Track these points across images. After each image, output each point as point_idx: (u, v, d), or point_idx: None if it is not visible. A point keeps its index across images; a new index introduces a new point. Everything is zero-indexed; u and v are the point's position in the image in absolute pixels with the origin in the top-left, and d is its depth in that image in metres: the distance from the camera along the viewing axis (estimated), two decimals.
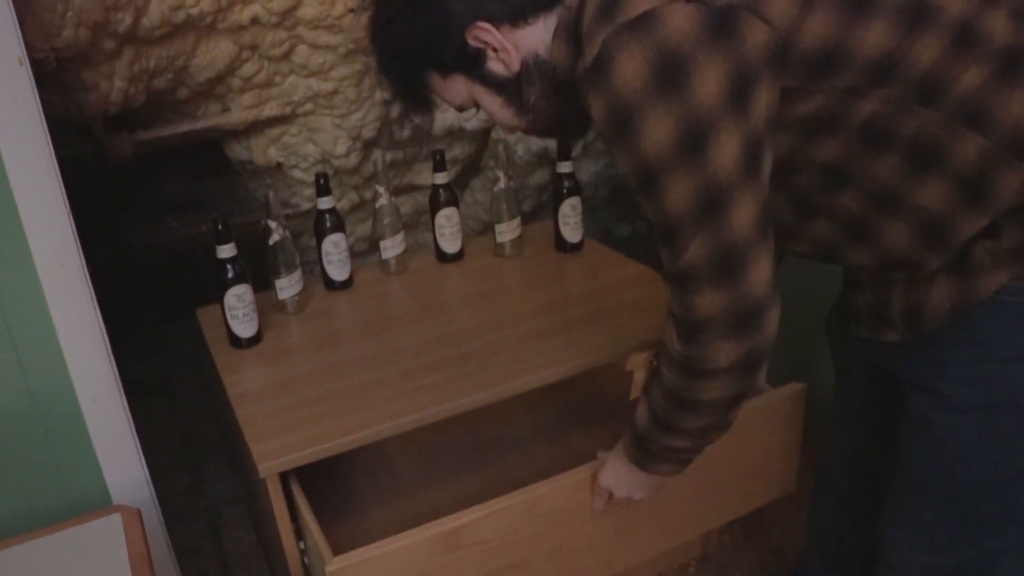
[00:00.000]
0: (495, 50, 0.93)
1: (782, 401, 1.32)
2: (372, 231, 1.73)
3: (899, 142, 0.84)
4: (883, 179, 0.86)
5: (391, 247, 1.68)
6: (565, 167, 1.69)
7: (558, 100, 0.95)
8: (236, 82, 1.69)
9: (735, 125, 0.77)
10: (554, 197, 1.72)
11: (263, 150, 1.89)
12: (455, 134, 2.01)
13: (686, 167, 0.79)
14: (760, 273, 0.83)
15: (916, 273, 0.91)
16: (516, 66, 0.93)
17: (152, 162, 1.89)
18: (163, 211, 2.17)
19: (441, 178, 1.68)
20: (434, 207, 1.70)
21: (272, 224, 1.50)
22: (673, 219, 0.83)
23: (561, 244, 1.74)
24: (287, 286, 1.53)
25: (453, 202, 1.70)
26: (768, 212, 0.83)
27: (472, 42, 0.92)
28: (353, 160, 1.90)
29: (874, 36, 0.80)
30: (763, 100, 0.78)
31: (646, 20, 0.76)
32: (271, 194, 1.51)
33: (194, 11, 1.45)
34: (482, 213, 2.32)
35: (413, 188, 2.14)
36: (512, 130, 1.01)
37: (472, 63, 0.94)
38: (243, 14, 1.52)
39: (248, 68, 1.66)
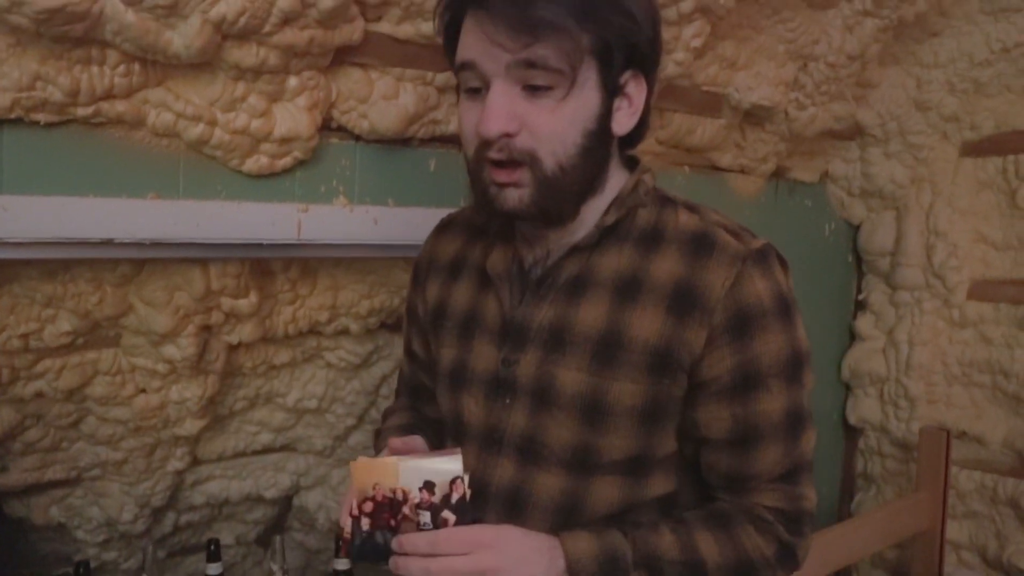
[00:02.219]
0: (629, 100, 0.98)
1: None
2: None
3: None
4: None
5: None
6: (342, 564, 1.69)
7: (593, 184, 1.00)
8: (17, 446, 1.67)
9: None
10: None
11: (43, 509, 1.83)
12: (253, 499, 2.00)
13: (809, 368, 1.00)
14: None
15: None
16: (629, 127, 0.99)
17: None
18: None
19: (213, 569, 1.65)
20: None
21: None
22: (804, 408, 0.99)
23: None
24: None
25: None
26: None
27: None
28: (141, 525, 1.86)
29: None
30: None
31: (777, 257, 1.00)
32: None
33: None
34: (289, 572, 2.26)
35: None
36: (554, 147, 0.95)
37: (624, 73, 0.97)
38: (27, 389, 1.54)
39: (32, 434, 1.65)
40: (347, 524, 0.91)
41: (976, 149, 2.14)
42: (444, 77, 1.36)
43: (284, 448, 1.96)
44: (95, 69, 1.09)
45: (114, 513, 1.81)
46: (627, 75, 0.96)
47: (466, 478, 0.88)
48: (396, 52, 1.29)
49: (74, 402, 1.61)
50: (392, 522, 0.90)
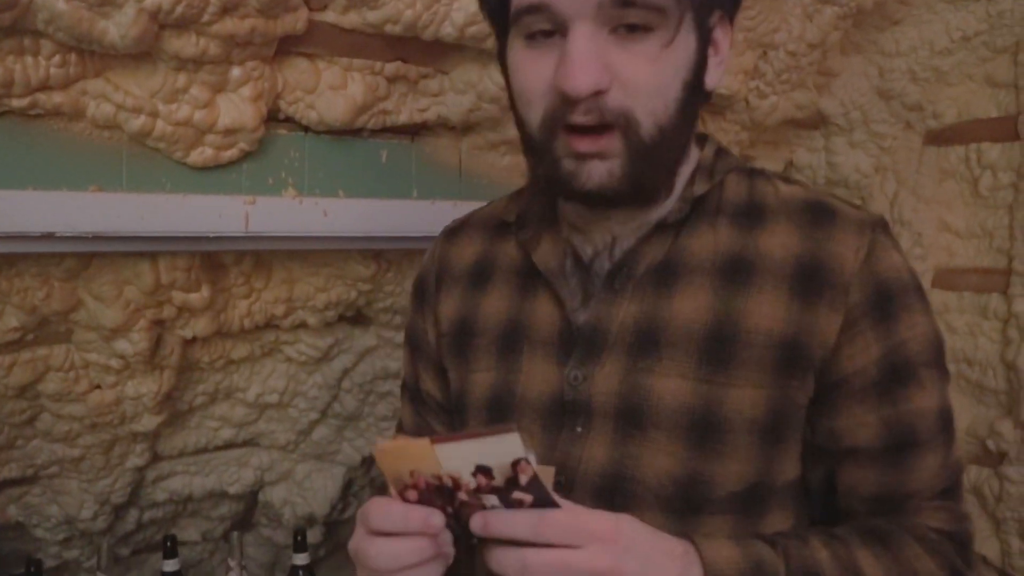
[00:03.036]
0: (716, 48, 0.82)
1: None
2: None
3: None
4: None
5: None
6: (300, 559, 1.68)
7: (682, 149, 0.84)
8: None
9: None
10: None
11: (1, 509, 1.81)
12: (217, 495, 1.98)
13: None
14: None
15: None
16: (718, 81, 0.83)
17: None
18: None
19: (170, 565, 1.64)
20: None
21: None
22: (951, 406, 0.83)
23: None
24: None
25: None
26: None
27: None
28: (101, 523, 1.84)
29: None
30: None
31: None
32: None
33: None
34: (256, 569, 2.25)
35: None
36: (654, 105, 0.76)
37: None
38: None
39: None
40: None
41: (939, 138, 2.14)
42: (393, 67, 1.35)
43: (247, 443, 1.95)
44: (29, 59, 1.07)
45: (73, 511, 1.80)
46: (715, 17, 0.80)
47: (532, 459, 0.65)
48: (343, 41, 1.28)
49: (27, 399, 1.59)
50: (448, 509, 0.69)
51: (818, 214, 0.81)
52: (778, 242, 0.81)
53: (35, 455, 1.71)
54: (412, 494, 0.68)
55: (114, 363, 1.54)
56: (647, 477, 0.80)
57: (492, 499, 0.67)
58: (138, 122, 1.17)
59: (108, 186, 1.20)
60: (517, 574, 0.66)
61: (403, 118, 1.41)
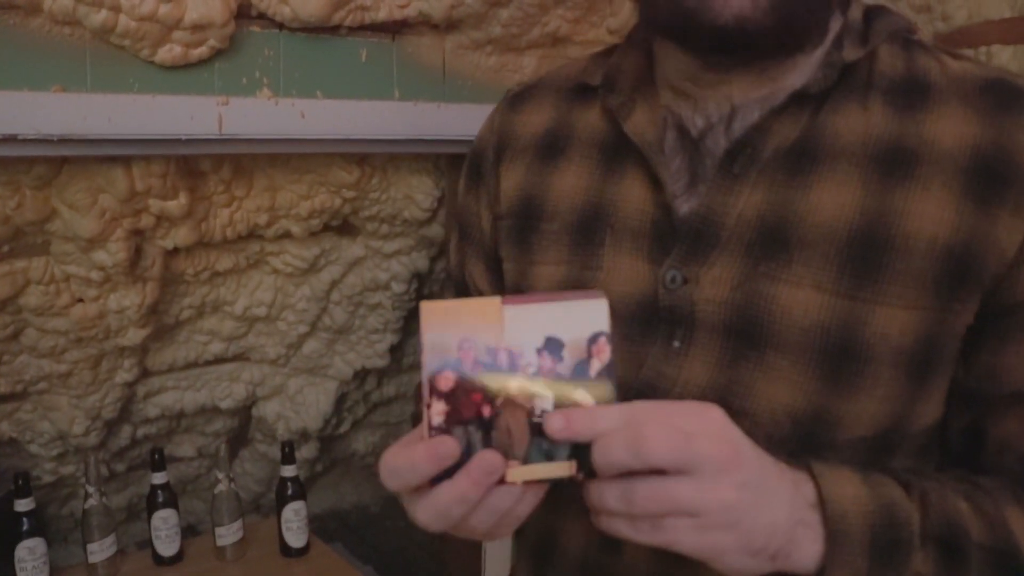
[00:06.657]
0: None
1: None
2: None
3: None
4: None
5: (99, 551, 1.60)
6: (289, 471, 1.68)
7: None
8: None
9: None
10: (277, 502, 1.69)
11: None
12: (209, 411, 1.98)
13: None
14: None
15: None
16: None
17: None
18: None
19: (159, 478, 1.64)
20: (152, 507, 1.64)
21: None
22: None
23: (285, 549, 1.70)
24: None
25: (172, 503, 1.65)
26: None
27: None
28: (93, 439, 1.84)
29: None
30: None
31: None
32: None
33: None
34: (252, 484, 2.26)
35: (173, 459, 2.07)
36: None
37: None
38: None
39: None
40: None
41: (948, 41, 2.05)
42: None
43: (237, 358, 1.93)
44: None
45: (65, 426, 1.79)
46: None
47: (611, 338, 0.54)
48: None
49: (9, 313, 1.56)
50: (487, 409, 0.54)
51: (1002, 95, 0.65)
52: (949, 128, 0.65)
53: (23, 371, 1.70)
54: (447, 379, 0.54)
55: (95, 275, 1.51)
56: (759, 411, 0.65)
57: (545, 396, 0.54)
58: (99, 17, 1.12)
59: (72, 86, 1.15)
60: (620, 506, 0.53)
61: (382, 15, 1.35)
